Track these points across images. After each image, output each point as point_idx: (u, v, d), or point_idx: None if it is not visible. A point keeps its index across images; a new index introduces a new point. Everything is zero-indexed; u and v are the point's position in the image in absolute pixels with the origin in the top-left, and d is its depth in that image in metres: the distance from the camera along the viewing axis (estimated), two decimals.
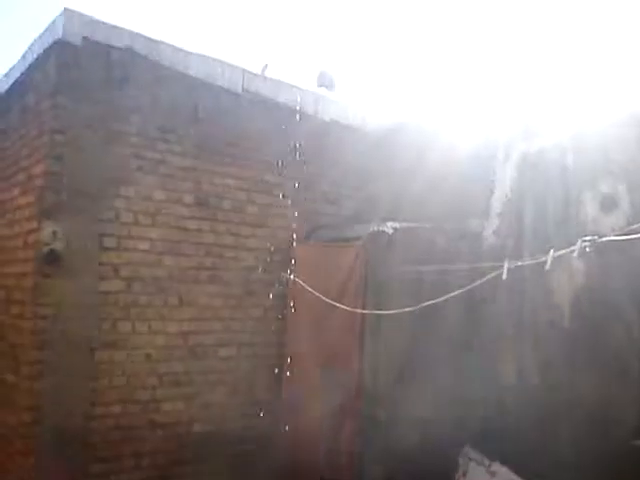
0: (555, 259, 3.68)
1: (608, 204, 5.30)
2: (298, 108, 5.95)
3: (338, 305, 4.91)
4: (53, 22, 4.84)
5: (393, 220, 5.68)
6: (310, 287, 5.43)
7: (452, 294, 4.04)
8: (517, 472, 4.73)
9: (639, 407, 4.76)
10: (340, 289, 5.30)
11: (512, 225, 5.72)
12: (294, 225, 5.87)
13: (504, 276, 3.82)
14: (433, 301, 4.13)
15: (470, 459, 4.99)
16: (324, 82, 6.77)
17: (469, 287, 3.99)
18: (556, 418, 4.85)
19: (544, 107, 5.68)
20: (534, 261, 3.79)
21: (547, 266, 3.61)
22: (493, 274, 3.91)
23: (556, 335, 4.93)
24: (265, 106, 5.76)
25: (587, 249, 3.48)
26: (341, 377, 5.18)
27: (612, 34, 5.34)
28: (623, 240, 3.47)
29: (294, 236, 5.86)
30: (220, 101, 5.54)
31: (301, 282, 5.38)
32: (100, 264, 4.80)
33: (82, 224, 4.73)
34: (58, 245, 4.56)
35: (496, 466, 4.81)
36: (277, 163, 5.86)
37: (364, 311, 4.85)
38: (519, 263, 3.87)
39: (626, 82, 5.07)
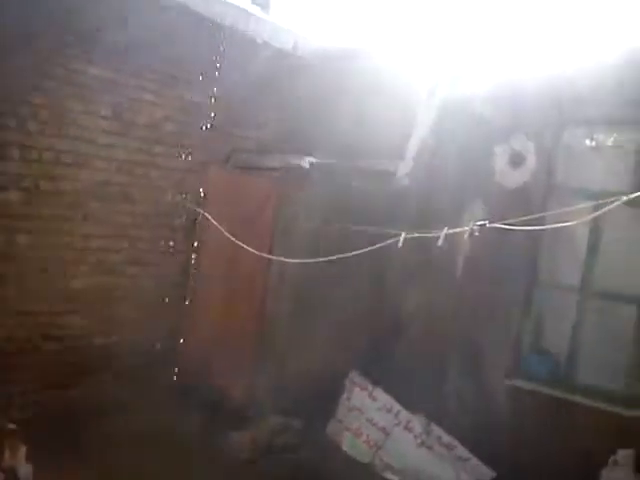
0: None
1: (516, 159, 5.51)
2: (230, 26, 5.71)
3: (246, 247, 4.96)
4: None
5: (312, 152, 5.73)
6: (224, 212, 5.47)
7: (356, 252, 4.25)
8: (399, 399, 5.11)
9: (511, 350, 5.20)
10: (252, 218, 5.36)
11: (426, 169, 5.87)
12: (212, 147, 5.80)
13: (400, 244, 4.05)
14: (338, 256, 4.33)
15: (355, 384, 5.33)
16: (259, 1, 6.49)
17: (370, 248, 4.22)
18: (440, 355, 5.22)
19: (470, 58, 5.73)
20: (428, 235, 4.01)
21: (440, 242, 3.87)
22: (390, 241, 4.13)
23: (448, 283, 5.24)
24: (192, 20, 5.49)
25: (476, 233, 3.73)
26: (245, 303, 5.34)
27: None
28: (511, 229, 3.74)
29: (211, 158, 5.80)
30: (144, 12, 5.20)
31: (208, 215, 5.38)
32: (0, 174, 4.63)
33: None
34: None
35: (378, 392, 5.17)
36: (200, 81, 5.70)
37: (270, 256, 4.94)
38: (415, 235, 4.09)
39: (549, 45, 5.16)
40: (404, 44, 6.15)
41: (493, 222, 4.07)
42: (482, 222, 3.94)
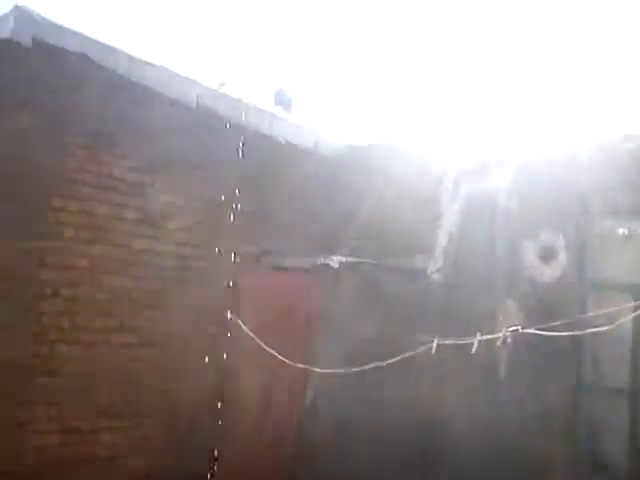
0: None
1: (546, 254, 5.50)
2: (253, 128, 5.83)
3: (282, 358, 4.91)
4: (3, 18, 4.53)
5: (340, 249, 5.73)
6: (255, 315, 5.39)
7: (390, 361, 4.21)
8: None
9: (566, 463, 4.95)
10: (284, 321, 5.29)
11: (455, 265, 5.85)
12: (242, 248, 5.78)
13: (433, 351, 4.05)
14: (373, 364, 4.45)
15: None
16: (282, 101, 6.68)
17: (404, 355, 4.31)
18: (489, 461, 5.00)
19: (492, 151, 5.85)
20: (461, 341, 4.03)
21: (473, 350, 3.87)
22: (422, 349, 4.20)
23: (490, 385, 5.10)
24: (219, 124, 5.60)
25: (508, 339, 3.80)
26: (284, 416, 5.16)
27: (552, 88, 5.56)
28: (540, 334, 3.84)
29: (242, 260, 5.76)
30: (173, 115, 5.32)
31: (240, 322, 5.30)
32: (39, 282, 4.55)
33: (20, 238, 4.47)
34: None
35: None
36: (228, 183, 5.74)
37: (301, 365, 4.83)
38: (447, 342, 4.08)
39: (572, 135, 5.29)
40: (426, 139, 6.30)
41: (526, 326, 4.10)
42: (515, 327, 4.00)
